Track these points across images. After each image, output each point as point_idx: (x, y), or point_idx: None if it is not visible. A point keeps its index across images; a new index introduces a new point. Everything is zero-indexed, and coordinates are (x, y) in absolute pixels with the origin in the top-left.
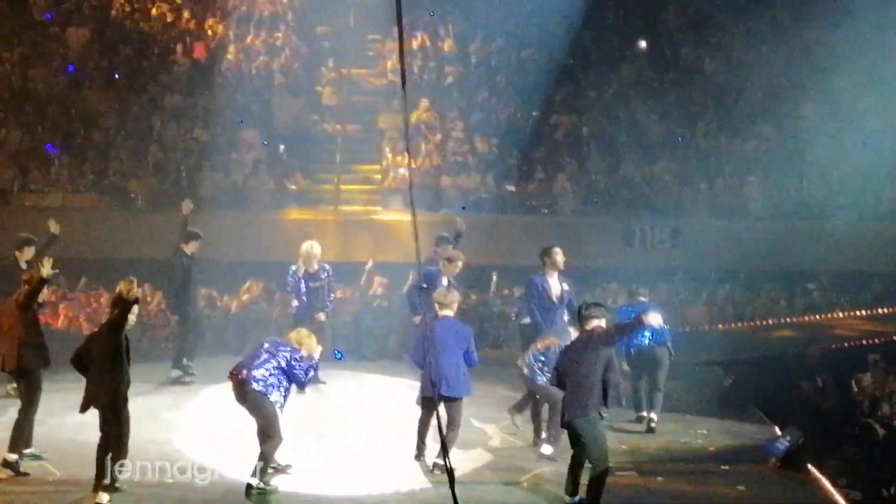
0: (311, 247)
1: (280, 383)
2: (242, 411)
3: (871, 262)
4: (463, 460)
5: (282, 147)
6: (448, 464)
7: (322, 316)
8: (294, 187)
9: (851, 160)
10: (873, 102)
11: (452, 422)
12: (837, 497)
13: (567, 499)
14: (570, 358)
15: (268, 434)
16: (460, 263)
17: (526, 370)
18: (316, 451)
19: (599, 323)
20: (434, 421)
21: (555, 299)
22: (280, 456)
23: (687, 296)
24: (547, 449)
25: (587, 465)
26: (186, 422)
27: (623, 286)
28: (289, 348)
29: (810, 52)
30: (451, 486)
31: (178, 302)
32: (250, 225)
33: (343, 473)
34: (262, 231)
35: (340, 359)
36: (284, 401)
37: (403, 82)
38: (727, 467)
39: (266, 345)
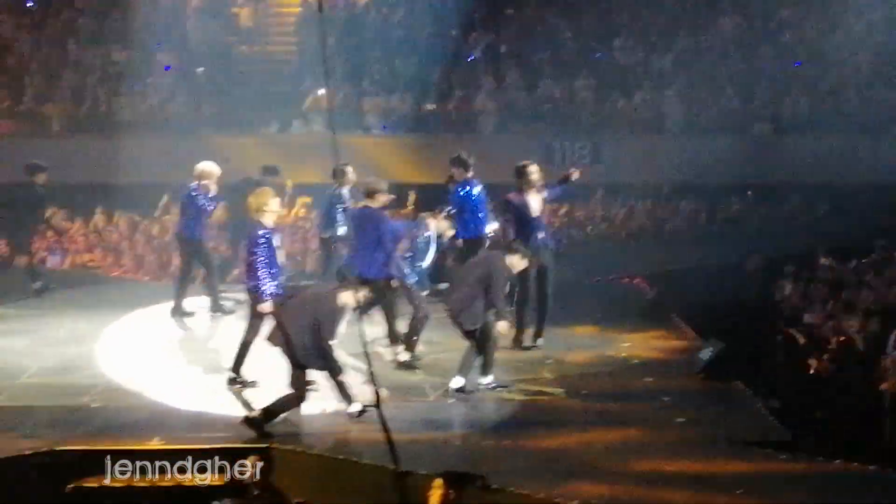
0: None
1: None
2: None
3: (788, 175)
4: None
5: (199, 70)
6: (376, 386)
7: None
8: (212, 110)
9: (768, 73)
10: (788, 15)
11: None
12: (757, 405)
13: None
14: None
15: None
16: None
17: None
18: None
19: (515, 260)
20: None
21: (535, 215)
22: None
23: (607, 212)
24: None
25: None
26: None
27: None
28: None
29: None
30: (378, 406)
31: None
32: (168, 148)
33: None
34: (180, 154)
35: None
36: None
37: (321, 5)
38: (651, 380)
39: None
